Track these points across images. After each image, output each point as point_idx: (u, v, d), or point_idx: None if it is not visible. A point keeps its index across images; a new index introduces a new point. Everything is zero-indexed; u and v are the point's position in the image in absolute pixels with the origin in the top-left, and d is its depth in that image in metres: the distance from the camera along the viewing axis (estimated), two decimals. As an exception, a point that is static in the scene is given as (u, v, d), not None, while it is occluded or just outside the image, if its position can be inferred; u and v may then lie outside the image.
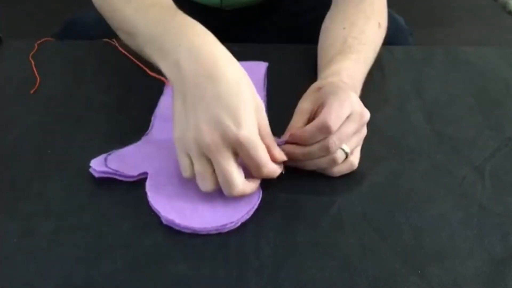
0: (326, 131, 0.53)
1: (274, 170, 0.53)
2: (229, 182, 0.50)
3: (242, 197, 0.53)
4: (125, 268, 0.48)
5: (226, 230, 0.51)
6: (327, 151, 0.54)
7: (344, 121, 0.54)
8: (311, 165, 0.56)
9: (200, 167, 0.51)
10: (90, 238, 0.50)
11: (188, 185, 0.54)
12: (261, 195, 0.54)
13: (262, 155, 0.50)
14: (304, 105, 0.58)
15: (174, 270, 0.48)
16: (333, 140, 0.53)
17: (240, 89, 0.50)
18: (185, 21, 0.55)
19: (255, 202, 0.53)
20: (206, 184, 0.51)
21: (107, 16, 0.66)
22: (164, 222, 0.51)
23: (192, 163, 0.51)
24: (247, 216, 0.52)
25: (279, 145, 0.55)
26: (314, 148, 0.54)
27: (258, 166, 0.51)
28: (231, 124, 0.48)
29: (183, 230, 0.51)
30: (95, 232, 0.51)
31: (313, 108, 0.58)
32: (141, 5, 0.59)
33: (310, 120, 0.57)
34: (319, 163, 0.56)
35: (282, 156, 0.53)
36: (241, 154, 0.50)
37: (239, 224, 0.52)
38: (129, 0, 0.60)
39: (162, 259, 0.49)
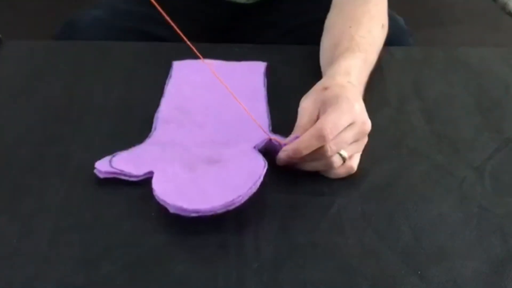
0: (321, 139, 0.52)
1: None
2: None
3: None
4: (125, 268, 0.48)
5: (233, 207, 0.50)
6: (323, 154, 0.54)
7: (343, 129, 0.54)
8: (307, 166, 0.56)
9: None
10: (90, 238, 0.50)
11: (193, 173, 0.54)
12: (266, 165, 0.53)
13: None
14: (308, 104, 0.57)
15: (174, 270, 0.48)
16: (329, 145, 0.53)
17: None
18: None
19: (260, 172, 0.52)
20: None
21: None
22: (172, 210, 0.50)
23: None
24: (255, 188, 0.51)
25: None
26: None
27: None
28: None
29: (191, 215, 0.50)
30: (95, 232, 0.51)
31: (316, 107, 0.57)
32: None
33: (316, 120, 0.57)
34: (315, 166, 0.56)
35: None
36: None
37: (246, 198, 0.51)
38: None
39: (162, 259, 0.49)
